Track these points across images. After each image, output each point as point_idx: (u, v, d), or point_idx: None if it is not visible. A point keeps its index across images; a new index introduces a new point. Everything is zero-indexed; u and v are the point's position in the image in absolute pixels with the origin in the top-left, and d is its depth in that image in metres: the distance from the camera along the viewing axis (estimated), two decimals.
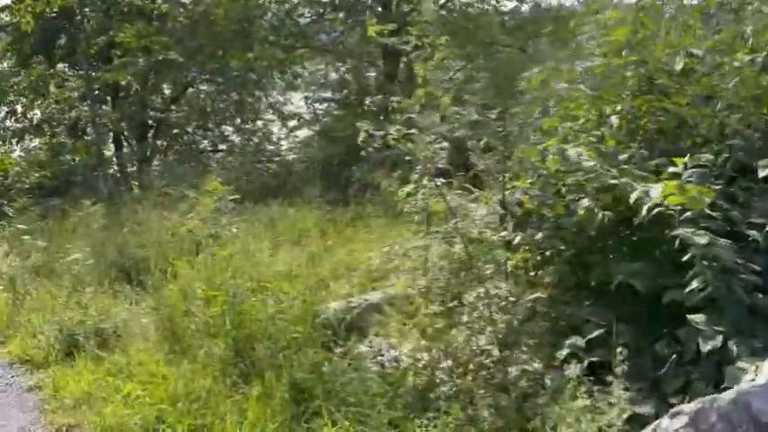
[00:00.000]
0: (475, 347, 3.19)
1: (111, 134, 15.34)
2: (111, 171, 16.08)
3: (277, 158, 13.92)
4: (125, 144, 17.31)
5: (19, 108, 15.91)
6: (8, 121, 15.95)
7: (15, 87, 13.00)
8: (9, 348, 5.89)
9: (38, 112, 15.59)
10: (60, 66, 15.69)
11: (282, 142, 15.03)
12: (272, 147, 15.61)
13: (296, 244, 7.56)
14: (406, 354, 3.48)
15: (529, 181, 3.58)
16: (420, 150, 3.70)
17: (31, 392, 5.01)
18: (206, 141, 19.17)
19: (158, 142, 17.60)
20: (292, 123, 15.99)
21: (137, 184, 16.05)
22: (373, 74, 12.55)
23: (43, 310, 6.28)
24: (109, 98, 16.06)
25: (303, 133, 15.07)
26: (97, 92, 14.75)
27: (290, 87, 16.29)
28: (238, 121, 18.46)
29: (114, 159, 16.70)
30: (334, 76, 14.00)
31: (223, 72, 16.31)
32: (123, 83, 15.32)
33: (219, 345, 4.78)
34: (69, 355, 5.46)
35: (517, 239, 3.34)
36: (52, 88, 12.92)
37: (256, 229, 8.26)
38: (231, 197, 8.23)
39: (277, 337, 4.64)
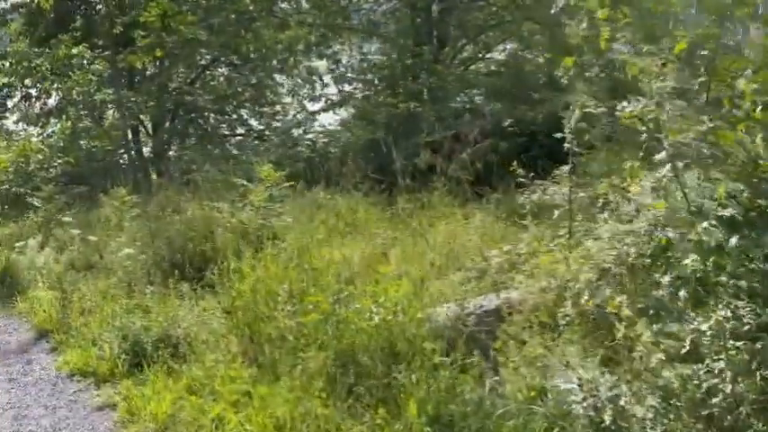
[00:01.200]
0: (696, 381, 2.52)
1: (137, 119, 14.50)
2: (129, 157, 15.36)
3: (308, 142, 13.13)
4: (141, 129, 16.57)
5: (33, 92, 15.12)
6: (23, 105, 15.18)
7: (39, 69, 12.14)
8: (66, 357, 5.19)
9: (54, 96, 14.83)
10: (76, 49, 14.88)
11: (314, 126, 14.22)
12: (298, 131, 14.80)
13: (359, 235, 6.84)
14: (591, 389, 2.78)
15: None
16: (672, 131, 2.92)
17: (103, 412, 4.34)
18: (224, 126, 18.46)
19: (177, 127, 16.86)
20: (317, 106, 15.15)
21: (155, 170, 15.36)
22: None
23: (98, 312, 5.59)
24: (123, 81, 15.28)
25: (329, 117, 14.27)
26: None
27: (312, 71, 15.38)
28: (256, 106, 17.73)
29: (132, 145, 15.97)
30: (367, 57, 13.18)
31: (245, 53, 15.52)
32: (139, 65, 14.54)
33: (318, 359, 4.09)
34: (136, 367, 4.78)
35: (733, 242, 2.65)
36: (76, 70, 12.05)
37: (310, 219, 7.55)
38: (285, 184, 7.55)
39: (388, 350, 3.97)
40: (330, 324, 4.09)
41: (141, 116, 15.57)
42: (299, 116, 15.58)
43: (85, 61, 12.31)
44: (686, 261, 2.69)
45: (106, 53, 13.51)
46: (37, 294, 6.63)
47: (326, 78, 14.56)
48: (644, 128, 2.93)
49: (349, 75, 13.41)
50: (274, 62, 16.19)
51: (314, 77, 14.62)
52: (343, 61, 13.61)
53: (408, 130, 9.85)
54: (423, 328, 4.13)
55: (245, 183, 7.38)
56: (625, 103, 3.03)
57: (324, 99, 14.37)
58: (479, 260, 4.60)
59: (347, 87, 13.94)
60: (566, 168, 4.09)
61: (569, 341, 3.31)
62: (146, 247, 6.71)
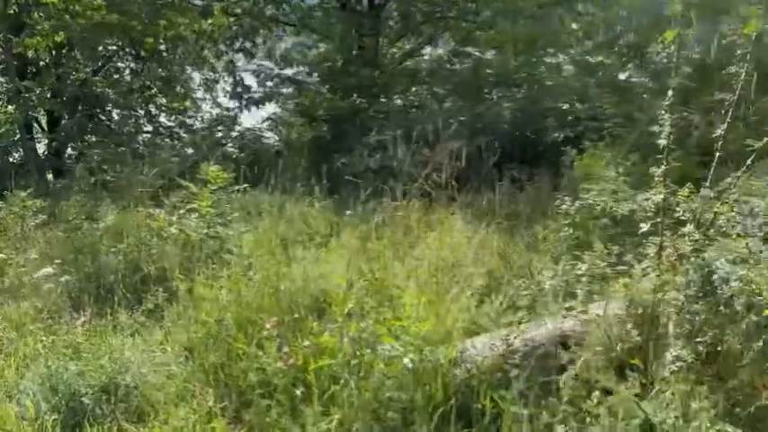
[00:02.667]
0: None
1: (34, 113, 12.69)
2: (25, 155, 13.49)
3: (234, 141, 11.80)
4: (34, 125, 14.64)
5: None
6: None
7: None
8: None
9: None
10: None
11: (238, 123, 12.88)
12: (219, 128, 13.43)
13: (326, 246, 5.83)
14: None
15: None
16: None
17: None
18: (131, 122, 16.73)
19: (76, 122, 15.02)
20: (236, 102, 13.81)
21: (51, 170, 13.64)
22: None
23: (13, 353, 4.28)
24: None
25: (255, 114, 13.05)
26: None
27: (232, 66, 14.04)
28: (165, 100, 16.17)
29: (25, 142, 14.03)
30: (301, 49, 12.04)
31: (152, 44, 14.01)
32: (30, 54, 12.70)
33: (335, 416, 3.11)
34: (74, 429, 3.58)
35: None
36: None
37: (263, 228, 6.46)
38: (237, 188, 6.43)
39: (424, 402, 3.05)
40: (351, 370, 3.11)
41: (36, 110, 13.73)
42: (219, 112, 14.22)
43: None
44: None
45: None
46: None
47: (249, 73, 13.33)
48: None
49: (277, 69, 12.27)
50: (180, 51, 14.78)
51: (236, 72, 13.31)
52: (276, 54, 12.42)
53: (353, 128, 8.90)
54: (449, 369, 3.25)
55: (189, 185, 6.16)
56: None
57: (246, 95, 13.09)
58: (528, 282, 3.74)
59: (269, 83, 12.76)
60: (659, 171, 3.28)
61: (691, 396, 2.52)
62: (68, 266, 5.39)
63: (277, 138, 11.31)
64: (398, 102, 9.53)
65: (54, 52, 13.56)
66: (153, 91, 15.81)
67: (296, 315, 3.75)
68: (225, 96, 14.49)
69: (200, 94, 16.15)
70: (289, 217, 7.12)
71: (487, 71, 9.16)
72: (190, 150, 13.60)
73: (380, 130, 8.64)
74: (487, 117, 7.96)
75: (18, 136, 12.59)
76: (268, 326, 3.69)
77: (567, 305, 3.41)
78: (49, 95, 13.07)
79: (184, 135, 15.42)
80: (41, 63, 14.14)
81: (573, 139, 6.69)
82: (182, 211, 6.11)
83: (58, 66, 13.72)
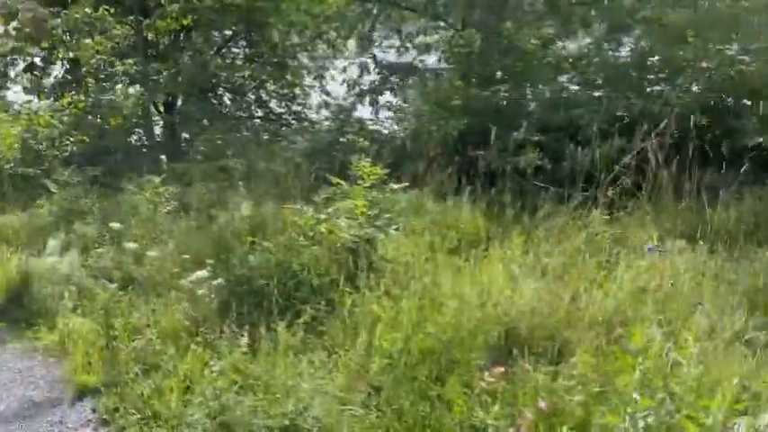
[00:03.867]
0: None
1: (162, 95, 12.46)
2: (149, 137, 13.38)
3: (360, 131, 11.04)
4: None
5: (38, 61, 13.02)
6: (28, 76, 12.99)
7: (55, 33, 9.99)
8: None
9: (60, 65, 12.78)
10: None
11: (355, 112, 12.09)
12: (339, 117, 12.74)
13: (483, 259, 4.92)
14: None
15: None
16: None
17: None
18: (243, 107, 16.41)
19: (193, 105, 14.76)
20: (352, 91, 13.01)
21: (165, 153, 13.43)
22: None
23: (173, 373, 3.65)
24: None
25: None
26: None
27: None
28: (280, 87, 15.69)
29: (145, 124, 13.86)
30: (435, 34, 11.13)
31: (270, 26, 13.57)
32: (151, 36, 12.41)
33: None
34: None
35: None
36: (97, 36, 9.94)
37: (415, 232, 5.69)
38: (397, 186, 5.67)
39: None
40: None
41: (163, 92, 13.52)
42: (334, 101, 13.53)
43: (107, 24, 10.19)
44: None
45: (129, 18, 11.39)
46: (68, 322, 4.67)
47: (372, 60, 12.49)
48: None
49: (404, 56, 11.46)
50: (294, 36, 14.23)
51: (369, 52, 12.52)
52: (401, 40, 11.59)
53: (494, 121, 7.93)
54: None
55: (339, 181, 5.44)
56: None
57: (372, 81, 12.21)
58: None
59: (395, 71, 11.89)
60: None
61: None
62: (218, 266, 4.76)
63: (399, 128, 10.47)
64: (547, 95, 8.48)
65: (173, 36, 13.33)
66: (264, 77, 15.41)
67: (527, 365, 2.91)
68: (348, 80, 13.72)
69: (309, 81, 15.61)
70: (434, 219, 6.31)
71: (653, 59, 7.94)
72: (299, 138, 13.06)
73: (529, 124, 7.65)
74: (656, 114, 6.80)
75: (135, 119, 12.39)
76: (491, 377, 2.88)
77: None
78: (177, 78, 12.83)
79: (293, 122, 14.96)
80: (161, 46, 13.96)
81: None
82: (330, 210, 5.39)
83: (175, 49, 13.49)
